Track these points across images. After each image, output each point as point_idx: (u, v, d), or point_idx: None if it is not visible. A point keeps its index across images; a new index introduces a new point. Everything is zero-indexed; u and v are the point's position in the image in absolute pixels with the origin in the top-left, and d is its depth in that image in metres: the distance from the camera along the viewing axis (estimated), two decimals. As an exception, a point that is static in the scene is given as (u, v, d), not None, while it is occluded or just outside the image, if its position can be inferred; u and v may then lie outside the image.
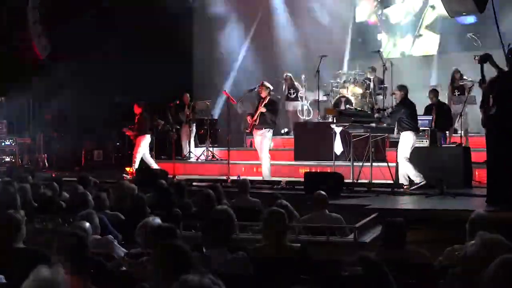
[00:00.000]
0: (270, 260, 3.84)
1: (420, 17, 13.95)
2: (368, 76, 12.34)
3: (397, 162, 9.03)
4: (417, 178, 8.62)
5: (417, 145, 9.18)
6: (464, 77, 11.13)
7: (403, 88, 9.00)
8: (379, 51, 11.91)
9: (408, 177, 8.76)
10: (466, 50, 12.76)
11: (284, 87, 13.10)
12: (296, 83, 13.04)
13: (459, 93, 11.12)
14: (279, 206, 4.91)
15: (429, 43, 13.66)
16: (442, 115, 10.12)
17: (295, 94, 12.99)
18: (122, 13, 14.03)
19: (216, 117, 13.43)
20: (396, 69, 11.99)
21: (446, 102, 11.22)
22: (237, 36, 15.29)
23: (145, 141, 11.46)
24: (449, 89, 11.47)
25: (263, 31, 14.92)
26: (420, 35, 13.79)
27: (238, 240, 4.56)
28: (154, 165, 11.41)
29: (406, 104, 8.91)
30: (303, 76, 12.83)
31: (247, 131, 10.40)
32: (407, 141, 8.78)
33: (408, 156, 8.74)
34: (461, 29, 12.99)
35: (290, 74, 13.05)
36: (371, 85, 12.02)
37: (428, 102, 10.53)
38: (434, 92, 10.46)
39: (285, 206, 5.02)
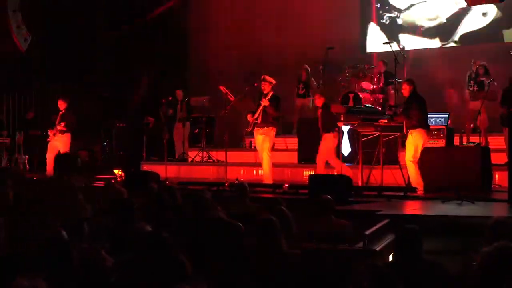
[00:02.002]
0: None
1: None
2: (379, 70, 12.30)
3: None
4: (417, 185, 8.63)
5: (431, 145, 9.18)
6: (489, 73, 11.02)
7: (412, 82, 8.99)
8: (389, 42, 11.89)
9: (408, 179, 8.79)
10: (487, 42, 12.80)
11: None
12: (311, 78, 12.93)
13: (477, 88, 11.06)
14: (277, 211, 4.95)
15: (446, 33, 13.60)
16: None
17: (304, 89, 12.85)
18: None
19: (212, 115, 13.42)
20: (410, 62, 11.98)
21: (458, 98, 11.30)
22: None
23: (69, 139, 11.62)
24: (466, 83, 11.37)
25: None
26: (437, 25, 13.70)
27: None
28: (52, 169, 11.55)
29: (417, 99, 8.90)
30: (321, 68, 12.61)
31: (248, 129, 10.40)
32: (417, 140, 8.74)
33: (417, 159, 8.71)
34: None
35: (307, 67, 12.76)
36: (382, 79, 12.01)
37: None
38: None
39: (282, 212, 5.05)
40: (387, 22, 14.10)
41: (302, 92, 12.77)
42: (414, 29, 13.73)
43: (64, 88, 13.82)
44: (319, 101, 10.08)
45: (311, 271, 3.95)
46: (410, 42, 13.62)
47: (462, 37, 13.19)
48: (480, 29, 12.92)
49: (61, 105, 11.74)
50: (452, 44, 13.34)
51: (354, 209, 7.45)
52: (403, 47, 12.57)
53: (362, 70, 12.22)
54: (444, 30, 13.40)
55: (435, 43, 13.50)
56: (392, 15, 14.06)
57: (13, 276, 2.26)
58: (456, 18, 13.19)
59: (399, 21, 13.94)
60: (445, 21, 13.39)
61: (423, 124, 8.77)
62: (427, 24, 13.61)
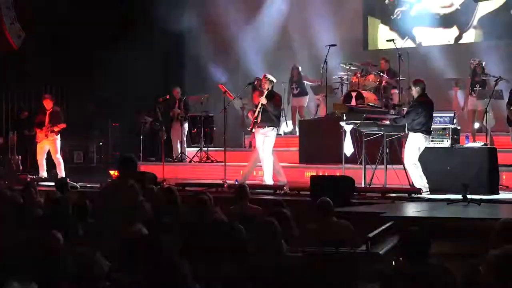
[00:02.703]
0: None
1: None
2: (382, 68, 12.30)
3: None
4: (422, 187, 8.63)
5: (436, 145, 9.18)
6: (486, 72, 11.01)
7: (419, 84, 8.96)
8: (393, 40, 11.87)
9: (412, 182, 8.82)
10: (488, 39, 12.81)
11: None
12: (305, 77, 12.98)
13: (480, 87, 11.05)
14: (278, 213, 4.95)
15: (463, 19, 13.57)
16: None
17: (298, 89, 12.91)
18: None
19: (211, 114, 13.40)
20: (413, 59, 11.95)
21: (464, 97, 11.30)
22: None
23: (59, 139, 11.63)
24: (468, 82, 11.37)
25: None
26: (441, 22, 13.68)
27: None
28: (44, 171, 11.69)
29: (423, 103, 8.87)
30: (322, 66, 12.57)
31: (249, 129, 10.39)
32: (415, 144, 8.77)
33: (416, 161, 8.73)
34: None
35: (298, 66, 12.91)
36: (385, 77, 11.99)
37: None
38: None
39: (282, 214, 5.05)
40: (399, 17, 14.02)
41: (297, 91, 12.86)
42: (429, 20, 13.63)
43: (59, 87, 13.83)
44: (256, 99, 10.18)
45: (312, 275, 3.94)
46: (425, 34, 13.60)
47: (481, 19, 13.09)
48: (499, 7, 12.85)
49: (48, 104, 11.66)
50: (472, 30, 13.25)
51: (357, 211, 7.45)
52: (420, 43, 12.48)
53: (365, 68, 12.21)
54: (461, 16, 13.31)
55: (453, 31, 13.45)
56: (403, 8, 13.99)
57: (5, 279, 2.25)
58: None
59: (412, 13, 13.85)
60: (459, 7, 13.35)
61: (423, 129, 8.77)
62: (442, 11, 13.51)
